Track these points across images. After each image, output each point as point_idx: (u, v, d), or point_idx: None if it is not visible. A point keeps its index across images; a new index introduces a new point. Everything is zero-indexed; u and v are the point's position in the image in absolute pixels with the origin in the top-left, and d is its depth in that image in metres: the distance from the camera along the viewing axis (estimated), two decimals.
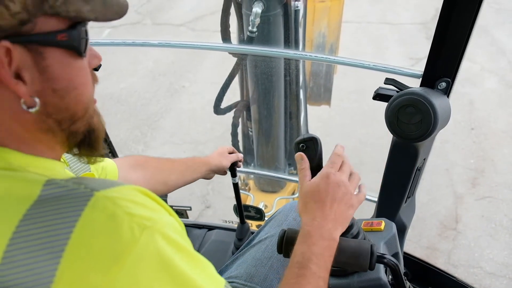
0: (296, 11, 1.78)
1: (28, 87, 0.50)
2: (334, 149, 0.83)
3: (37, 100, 0.51)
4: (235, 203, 1.53)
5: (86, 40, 0.55)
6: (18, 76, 0.49)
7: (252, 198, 2.28)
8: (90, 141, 0.61)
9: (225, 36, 1.75)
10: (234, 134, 2.08)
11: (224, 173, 1.30)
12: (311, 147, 0.81)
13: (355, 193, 0.80)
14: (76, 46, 0.53)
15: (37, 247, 0.45)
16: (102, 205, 0.48)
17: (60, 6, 0.49)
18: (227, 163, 1.27)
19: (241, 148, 2.25)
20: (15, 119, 0.52)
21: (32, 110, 0.51)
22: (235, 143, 2.12)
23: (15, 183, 0.50)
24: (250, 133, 2.18)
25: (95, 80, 0.61)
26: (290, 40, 1.81)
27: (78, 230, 0.46)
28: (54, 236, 0.46)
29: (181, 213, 1.97)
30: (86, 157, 0.63)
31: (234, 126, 2.06)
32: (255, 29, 1.61)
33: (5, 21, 0.46)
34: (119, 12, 0.56)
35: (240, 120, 2.09)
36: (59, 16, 0.50)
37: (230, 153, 1.31)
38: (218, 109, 1.98)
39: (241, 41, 1.86)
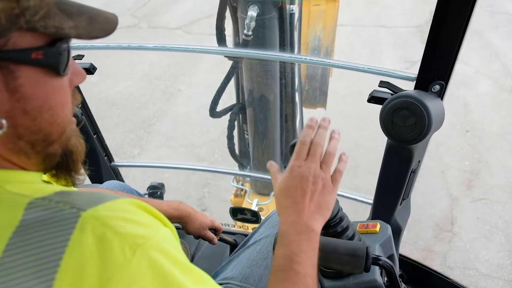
0: (291, 15, 1.78)
1: None
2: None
3: (3, 121, 0.46)
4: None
5: (68, 57, 0.50)
6: None
7: (248, 191, 2.29)
8: (67, 164, 0.57)
9: (221, 40, 1.75)
10: (230, 137, 2.08)
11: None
12: None
13: (331, 171, 0.74)
14: (54, 65, 0.48)
15: (25, 278, 0.43)
16: (90, 226, 0.44)
17: (38, 21, 0.44)
18: (198, 235, 1.20)
19: (237, 151, 2.25)
20: None
21: None
22: (231, 146, 2.12)
23: None
24: (246, 136, 2.18)
25: (76, 99, 0.56)
26: (286, 43, 1.81)
27: (68, 256, 0.43)
28: (42, 264, 0.43)
29: None
30: (63, 179, 0.59)
31: (230, 129, 2.06)
32: (250, 33, 1.61)
33: None
34: (105, 29, 0.51)
35: (236, 123, 2.09)
36: (36, 32, 0.45)
37: (211, 228, 1.22)
38: (213, 112, 1.99)
39: (237, 44, 1.86)
